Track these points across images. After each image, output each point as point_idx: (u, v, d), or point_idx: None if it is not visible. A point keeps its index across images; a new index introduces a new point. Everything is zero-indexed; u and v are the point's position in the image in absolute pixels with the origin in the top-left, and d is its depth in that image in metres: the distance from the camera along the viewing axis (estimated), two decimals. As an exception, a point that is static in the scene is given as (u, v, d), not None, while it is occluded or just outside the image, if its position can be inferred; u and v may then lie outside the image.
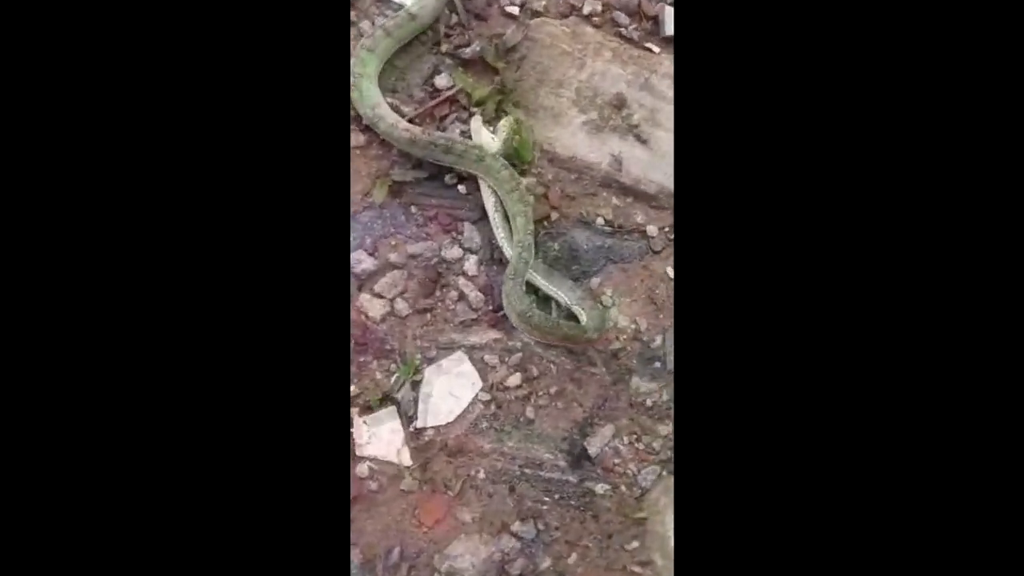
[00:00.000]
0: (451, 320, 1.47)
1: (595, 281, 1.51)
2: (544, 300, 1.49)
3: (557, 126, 1.58)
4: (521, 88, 1.59)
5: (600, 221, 1.55)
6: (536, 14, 1.66)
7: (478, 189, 1.51)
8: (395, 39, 1.52)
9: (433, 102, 1.54)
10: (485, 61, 1.58)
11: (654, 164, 1.58)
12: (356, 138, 1.51)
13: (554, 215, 1.54)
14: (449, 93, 1.54)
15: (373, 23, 1.56)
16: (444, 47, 1.58)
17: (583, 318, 1.43)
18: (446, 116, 1.54)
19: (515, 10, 1.65)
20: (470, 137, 1.50)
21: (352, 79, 1.45)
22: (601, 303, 1.49)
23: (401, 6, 1.57)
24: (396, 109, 1.52)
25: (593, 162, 1.56)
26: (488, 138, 1.49)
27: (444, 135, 1.44)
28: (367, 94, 1.44)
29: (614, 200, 1.57)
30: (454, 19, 1.60)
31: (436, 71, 1.57)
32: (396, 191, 1.50)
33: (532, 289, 1.48)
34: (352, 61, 1.46)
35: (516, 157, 1.53)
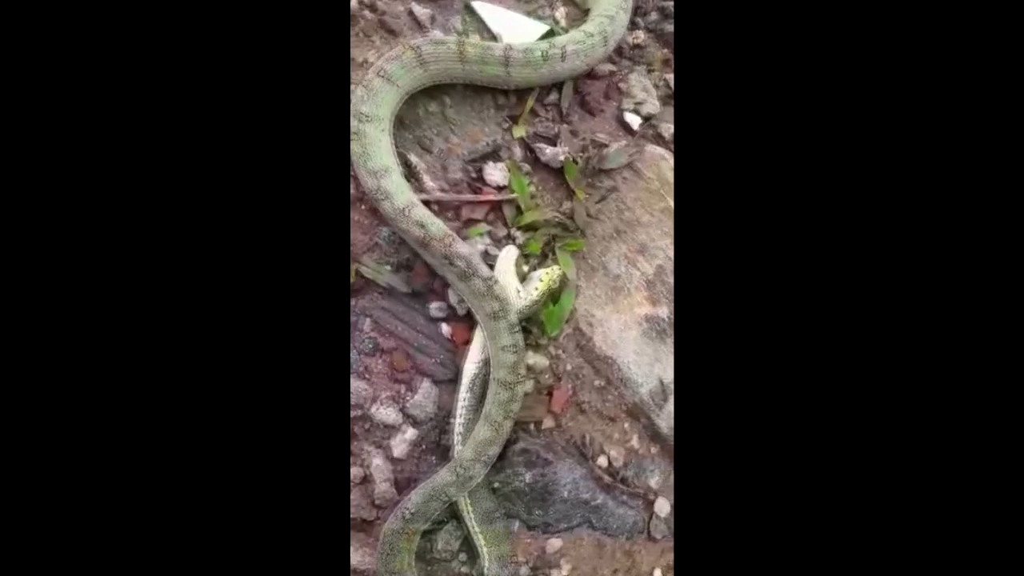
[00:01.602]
0: (335, 508, 0.97)
1: (553, 544, 1.03)
2: (469, 544, 1.00)
3: (611, 307, 1.09)
4: (591, 233, 1.10)
5: (603, 462, 1.06)
6: (660, 140, 1.18)
7: (468, 343, 1.02)
8: (432, 74, 0.98)
9: (469, 196, 1.04)
10: (564, 175, 1.09)
11: (709, 422, 1.11)
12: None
13: (548, 423, 1.06)
14: (495, 196, 1.05)
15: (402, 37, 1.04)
16: (521, 129, 1.08)
17: None
18: (475, 222, 1.05)
19: (635, 121, 1.16)
20: (493, 266, 1.01)
21: (353, 123, 0.94)
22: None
23: (491, 36, 1.07)
24: (415, 175, 1.02)
25: (633, 377, 1.07)
26: (514, 287, 1.00)
27: (468, 255, 0.94)
28: (373, 151, 0.93)
29: (634, 440, 1.09)
30: (552, 96, 1.11)
31: (495, 153, 1.07)
32: (357, 288, 1.00)
33: (456, 524, 0.99)
34: (356, 92, 0.94)
35: (538, 323, 1.04)
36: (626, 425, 1.09)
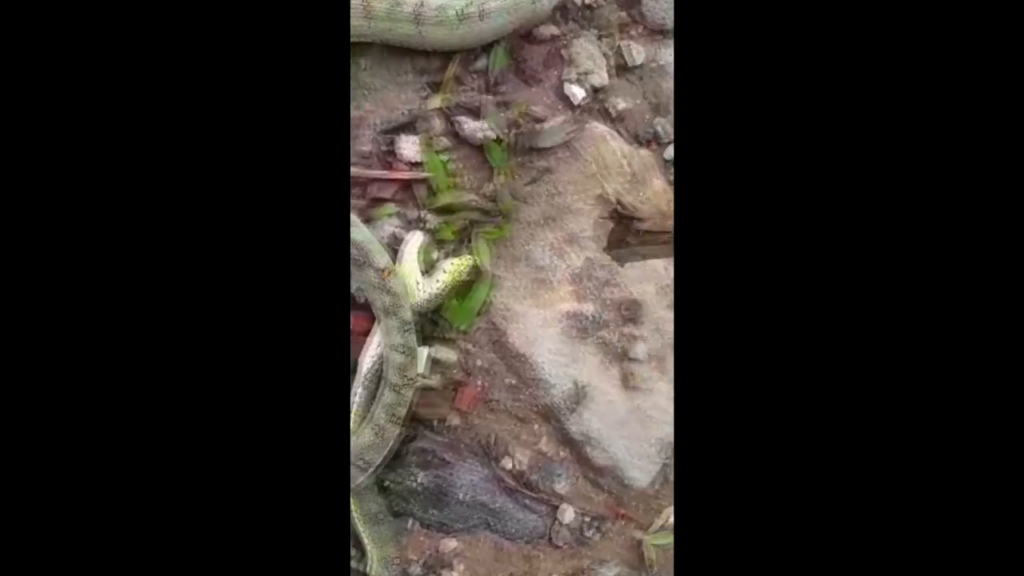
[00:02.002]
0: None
1: (448, 544, 0.99)
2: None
3: (532, 300, 1.01)
4: (517, 219, 1.00)
5: (508, 464, 1.01)
6: (610, 119, 1.06)
7: (366, 334, 0.95)
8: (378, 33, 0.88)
9: (377, 172, 0.94)
10: (487, 152, 0.98)
11: (628, 433, 1.04)
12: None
13: (454, 421, 1.00)
14: (408, 174, 0.95)
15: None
16: (444, 97, 0.97)
17: None
18: (383, 202, 0.95)
19: (578, 93, 1.04)
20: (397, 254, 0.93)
21: None
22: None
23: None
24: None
25: (548, 378, 1.01)
26: (415, 279, 0.91)
27: (362, 242, 0.86)
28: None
29: (544, 443, 1.03)
30: (481, 62, 0.99)
31: (411, 125, 0.96)
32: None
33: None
34: None
35: (445, 316, 0.96)
36: (537, 427, 1.03)
